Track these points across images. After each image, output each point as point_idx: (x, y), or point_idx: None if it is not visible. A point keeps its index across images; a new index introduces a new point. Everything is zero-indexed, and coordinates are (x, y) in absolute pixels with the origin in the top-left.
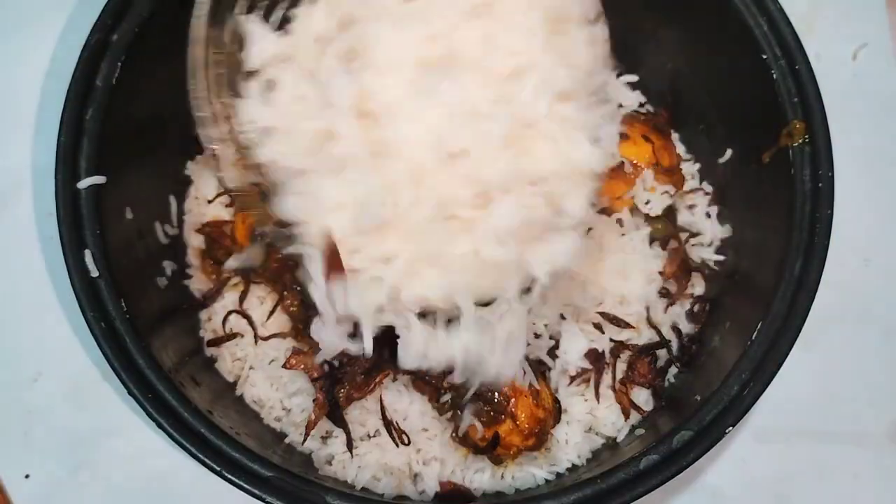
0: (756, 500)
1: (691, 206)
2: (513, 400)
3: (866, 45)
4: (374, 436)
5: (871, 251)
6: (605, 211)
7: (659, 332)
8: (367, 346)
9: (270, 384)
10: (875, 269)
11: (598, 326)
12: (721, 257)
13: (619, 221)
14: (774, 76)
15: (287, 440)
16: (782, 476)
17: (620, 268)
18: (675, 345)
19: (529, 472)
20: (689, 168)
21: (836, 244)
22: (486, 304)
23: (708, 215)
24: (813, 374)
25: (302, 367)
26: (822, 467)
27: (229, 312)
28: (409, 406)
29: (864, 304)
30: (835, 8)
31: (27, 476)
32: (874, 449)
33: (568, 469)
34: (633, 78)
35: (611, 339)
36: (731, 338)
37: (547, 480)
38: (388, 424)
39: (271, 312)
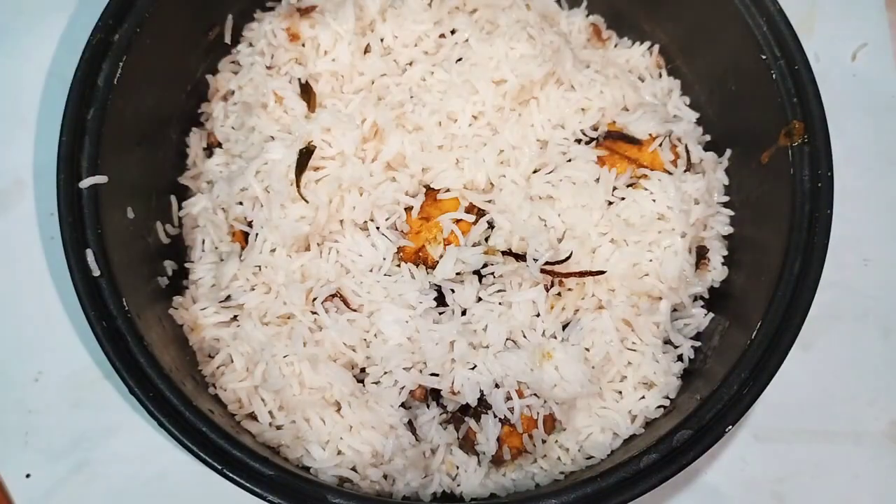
0: (755, 499)
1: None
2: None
3: (866, 45)
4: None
5: (871, 251)
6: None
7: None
8: None
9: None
10: (875, 269)
11: None
12: (721, 255)
13: None
14: (774, 76)
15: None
16: (781, 475)
17: None
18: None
19: (529, 472)
20: None
21: (835, 244)
22: None
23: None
24: (812, 373)
25: None
26: (821, 467)
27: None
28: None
29: (863, 304)
30: (834, 8)
31: (28, 475)
32: (873, 448)
33: (569, 468)
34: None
35: None
36: (730, 337)
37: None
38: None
39: None
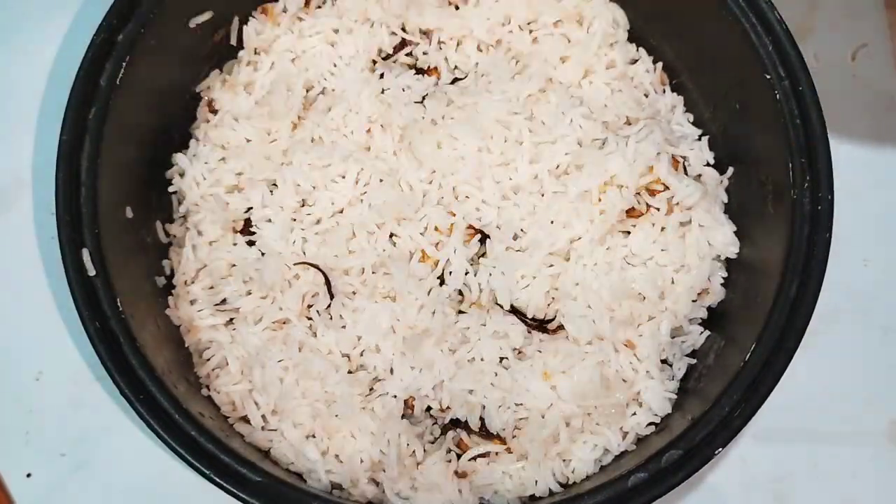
0: (755, 499)
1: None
2: None
3: (865, 45)
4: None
5: (871, 251)
6: None
7: None
8: None
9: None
10: (875, 269)
11: None
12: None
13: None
14: (777, 97)
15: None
16: (781, 475)
17: None
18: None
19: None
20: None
21: (835, 244)
22: None
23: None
24: (812, 374)
25: None
26: (821, 467)
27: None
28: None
29: (863, 304)
30: (833, 9)
31: (29, 475)
32: (873, 449)
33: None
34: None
35: None
36: (725, 357)
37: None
38: None
39: None
